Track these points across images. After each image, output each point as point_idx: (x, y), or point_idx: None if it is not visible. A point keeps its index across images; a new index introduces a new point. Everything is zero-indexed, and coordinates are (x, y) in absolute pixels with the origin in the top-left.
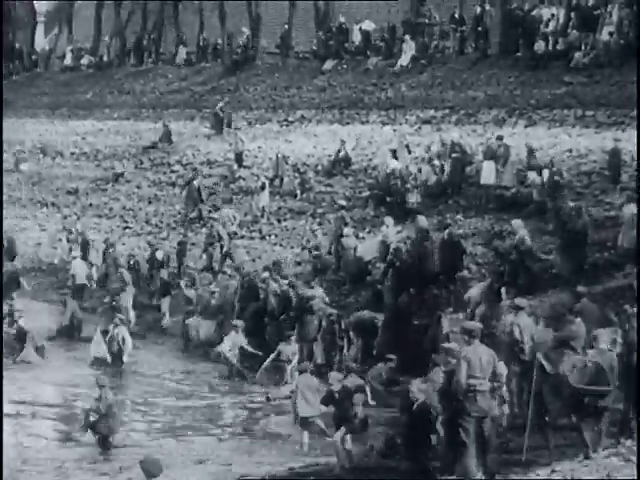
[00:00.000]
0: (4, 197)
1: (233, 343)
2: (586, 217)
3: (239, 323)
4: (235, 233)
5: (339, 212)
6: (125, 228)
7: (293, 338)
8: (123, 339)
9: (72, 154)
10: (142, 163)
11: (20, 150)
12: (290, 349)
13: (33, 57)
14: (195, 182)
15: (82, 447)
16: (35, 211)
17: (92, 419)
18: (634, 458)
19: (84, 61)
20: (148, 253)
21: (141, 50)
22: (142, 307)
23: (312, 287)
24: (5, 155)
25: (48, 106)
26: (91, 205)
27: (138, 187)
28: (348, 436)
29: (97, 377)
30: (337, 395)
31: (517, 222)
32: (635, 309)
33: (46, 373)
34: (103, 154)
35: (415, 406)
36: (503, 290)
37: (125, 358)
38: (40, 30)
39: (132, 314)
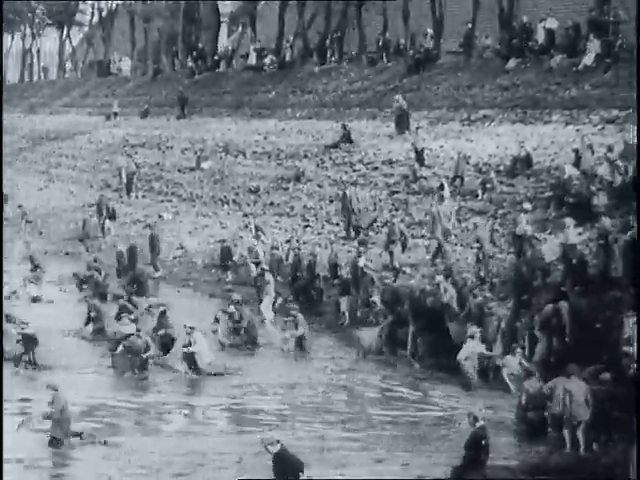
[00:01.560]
0: (185, 194)
1: (472, 352)
2: None
3: (476, 330)
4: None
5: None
6: (305, 227)
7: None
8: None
9: (254, 153)
10: (324, 162)
11: (202, 149)
12: None
13: (216, 57)
14: (347, 192)
15: None
16: (216, 209)
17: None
18: None
19: (267, 61)
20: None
21: (324, 50)
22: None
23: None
24: (187, 153)
25: (230, 105)
26: (272, 204)
27: (319, 186)
28: None
29: (49, 381)
30: None
31: None
32: None
33: None
34: (285, 153)
35: None
36: None
37: (203, 365)
38: (223, 30)
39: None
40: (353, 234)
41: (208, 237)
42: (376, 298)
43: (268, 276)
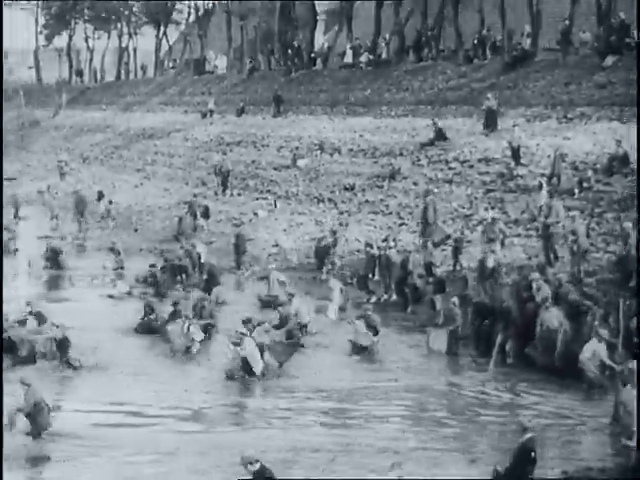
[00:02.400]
0: (280, 192)
1: (594, 353)
2: None
3: (605, 332)
4: None
5: None
6: (401, 225)
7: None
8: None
9: (349, 150)
10: (419, 160)
11: (298, 146)
12: None
13: (312, 55)
14: (427, 202)
15: None
16: (311, 206)
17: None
18: None
19: (363, 58)
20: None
21: (420, 47)
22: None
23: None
24: (283, 151)
25: (326, 103)
26: (367, 201)
27: (415, 184)
28: None
29: (21, 377)
30: None
31: None
32: None
33: None
34: (380, 151)
35: None
36: None
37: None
38: (320, 28)
39: None
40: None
41: (303, 235)
42: (455, 299)
43: (333, 282)
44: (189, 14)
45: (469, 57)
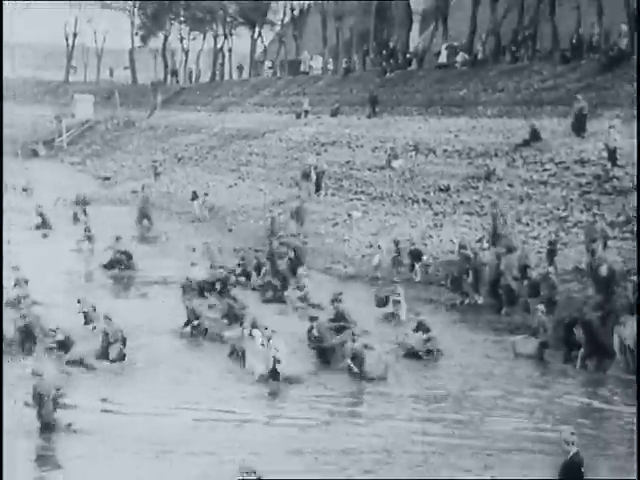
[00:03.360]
0: (375, 193)
1: None
2: None
3: None
4: None
5: None
6: None
7: None
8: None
9: (444, 151)
10: (514, 161)
11: (392, 147)
12: None
13: (407, 55)
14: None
15: None
16: (406, 208)
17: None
18: None
19: (458, 58)
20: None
21: (516, 47)
22: None
23: None
24: (377, 152)
25: (421, 103)
26: (462, 202)
27: (510, 185)
28: None
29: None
30: None
31: None
32: None
33: None
34: (475, 151)
35: None
36: None
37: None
38: (415, 28)
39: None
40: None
41: (397, 236)
42: (541, 306)
43: (399, 290)
44: (284, 15)
45: (565, 57)
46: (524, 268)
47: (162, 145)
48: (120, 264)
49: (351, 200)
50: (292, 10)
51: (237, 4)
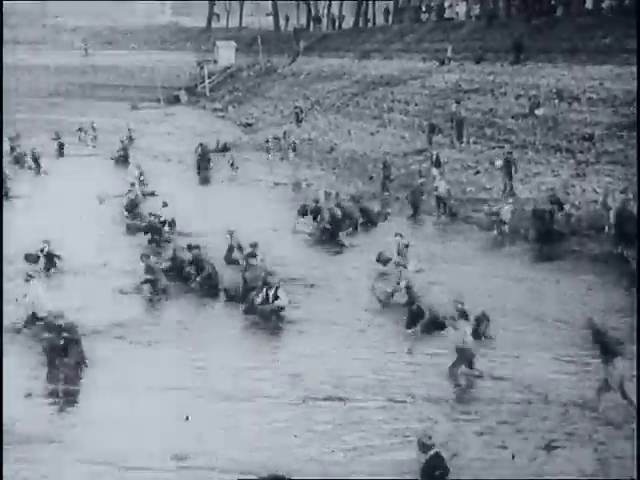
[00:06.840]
0: (517, 141)
1: None
2: None
3: None
4: None
5: None
6: None
7: None
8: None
9: (588, 99)
10: None
11: (536, 95)
12: None
13: (552, 2)
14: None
15: None
16: (548, 156)
17: None
18: None
19: (605, 4)
20: None
21: None
22: None
23: None
24: (521, 99)
25: (566, 50)
26: (606, 152)
27: None
28: None
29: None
30: None
31: None
32: None
33: None
34: (620, 100)
35: None
36: None
37: None
38: None
39: None
40: None
41: (539, 185)
42: None
43: None
44: None
45: None
46: None
47: (304, 92)
48: None
49: (493, 148)
50: None
51: None
